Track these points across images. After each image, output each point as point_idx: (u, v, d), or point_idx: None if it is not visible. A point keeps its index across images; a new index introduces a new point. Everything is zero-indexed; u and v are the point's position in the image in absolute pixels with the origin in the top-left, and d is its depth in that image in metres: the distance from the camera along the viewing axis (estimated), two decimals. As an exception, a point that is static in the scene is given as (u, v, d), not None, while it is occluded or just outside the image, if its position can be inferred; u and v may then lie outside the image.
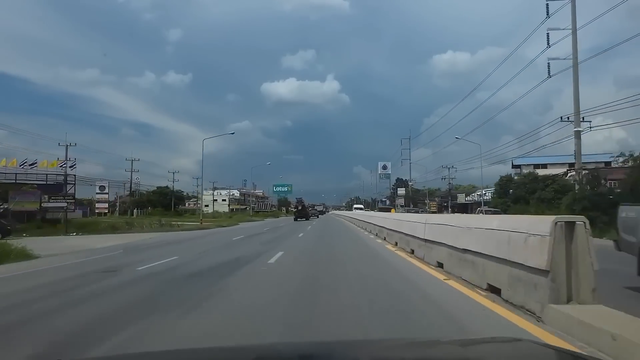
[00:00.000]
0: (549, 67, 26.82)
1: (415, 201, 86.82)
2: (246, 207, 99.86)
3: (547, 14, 26.40)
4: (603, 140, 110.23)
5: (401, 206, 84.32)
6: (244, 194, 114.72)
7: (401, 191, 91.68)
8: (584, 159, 27.71)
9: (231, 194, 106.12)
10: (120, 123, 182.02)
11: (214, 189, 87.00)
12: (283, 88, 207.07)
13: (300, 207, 60.78)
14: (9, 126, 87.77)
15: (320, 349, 2.09)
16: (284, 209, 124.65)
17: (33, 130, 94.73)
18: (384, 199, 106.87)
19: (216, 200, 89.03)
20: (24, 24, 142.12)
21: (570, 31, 24.66)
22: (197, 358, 2.00)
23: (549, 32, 26.39)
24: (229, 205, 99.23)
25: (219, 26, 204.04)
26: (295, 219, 55.34)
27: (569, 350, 2.11)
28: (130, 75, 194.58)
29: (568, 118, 25.78)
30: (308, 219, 56.26)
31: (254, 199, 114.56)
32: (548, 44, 26.51)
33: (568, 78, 25.70)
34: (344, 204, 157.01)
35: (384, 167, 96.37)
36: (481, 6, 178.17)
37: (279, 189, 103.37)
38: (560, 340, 3.97)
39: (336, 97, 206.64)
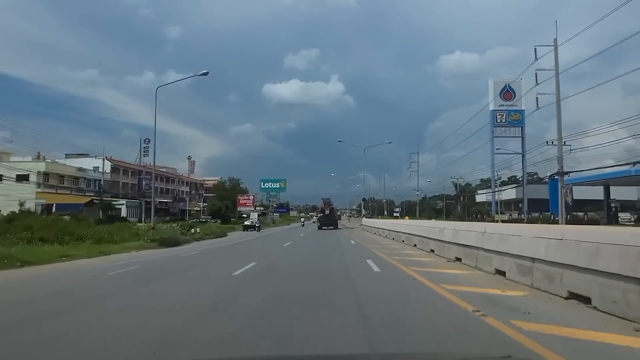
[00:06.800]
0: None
1: None
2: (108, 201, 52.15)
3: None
4: (609, 148, 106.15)
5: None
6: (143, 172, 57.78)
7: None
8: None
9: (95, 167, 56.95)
10: (119, 125, 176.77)
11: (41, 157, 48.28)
12: (286, 89, 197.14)
13: (327, 212, 48.43)
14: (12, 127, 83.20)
15: None
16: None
17: (35, 132, 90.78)
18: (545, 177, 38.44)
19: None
20: (15, 20, 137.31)
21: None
22: None
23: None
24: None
25: (217, 23, 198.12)
26: (319, 227, 46.42)
27: None
28: (129, 75, 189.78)
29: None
30: (337, 227, 45.97)
31: (201, 192, 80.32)
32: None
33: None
34: (354, 206, 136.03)
35: (507, 95, 43.11)
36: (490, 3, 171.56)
37: (268, 184, 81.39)
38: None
39: (340, 99, 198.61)
